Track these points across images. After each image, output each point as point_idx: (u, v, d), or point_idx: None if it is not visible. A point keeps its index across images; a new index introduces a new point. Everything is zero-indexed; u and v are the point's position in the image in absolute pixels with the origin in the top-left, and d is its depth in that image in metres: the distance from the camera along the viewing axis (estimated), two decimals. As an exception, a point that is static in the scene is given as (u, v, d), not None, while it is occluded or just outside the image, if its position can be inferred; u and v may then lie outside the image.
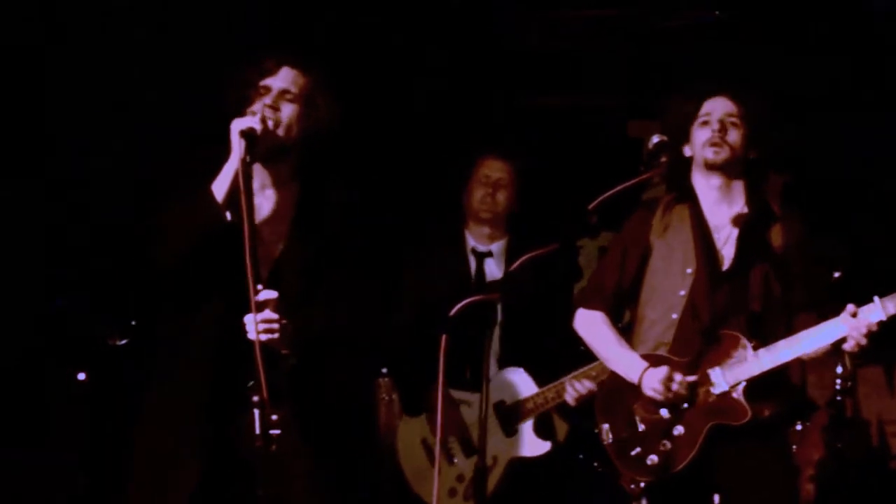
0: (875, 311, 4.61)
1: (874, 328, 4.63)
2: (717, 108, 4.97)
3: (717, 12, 7.02)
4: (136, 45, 6.55)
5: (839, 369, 6.22)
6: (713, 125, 4.93)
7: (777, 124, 5.06)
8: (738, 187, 5.01)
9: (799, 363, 4.95)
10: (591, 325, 5.16)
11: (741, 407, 4.77)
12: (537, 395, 6.07)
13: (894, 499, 6.33)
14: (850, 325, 4.65)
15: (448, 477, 6.05)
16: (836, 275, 5.72)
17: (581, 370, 5.89)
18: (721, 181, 4.98)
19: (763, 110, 4.98)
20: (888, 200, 7.05)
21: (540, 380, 6.07)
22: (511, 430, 6.06)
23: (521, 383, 6.10)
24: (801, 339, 4.72)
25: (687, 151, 5.04)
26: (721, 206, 5.00)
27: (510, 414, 6.08)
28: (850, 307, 4.63)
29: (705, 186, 4.99)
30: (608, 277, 5.19)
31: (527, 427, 6.07)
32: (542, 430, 6.11)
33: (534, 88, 7.56)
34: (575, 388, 5.89)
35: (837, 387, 6.23)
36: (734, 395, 4.80)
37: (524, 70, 7.41)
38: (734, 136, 4.93)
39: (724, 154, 4.92)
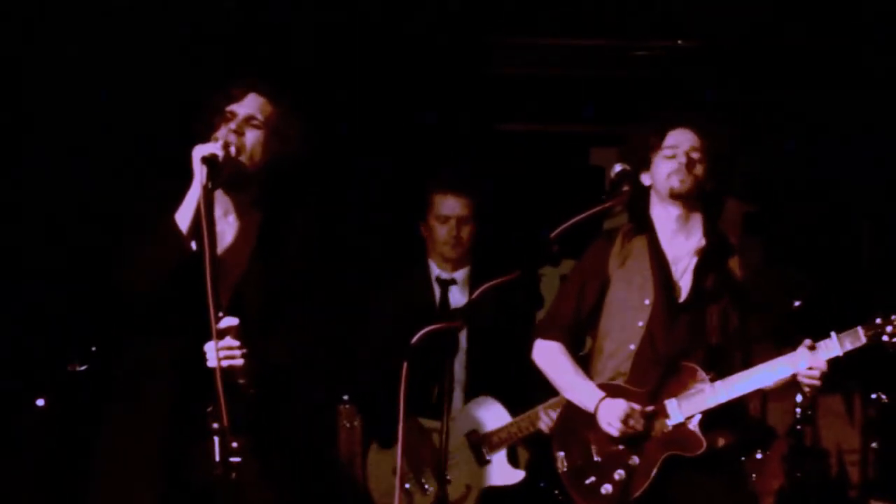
0: (832, 348, 4.67)
1: (824, 368, 4.71)
2: (683, 141, 4.98)
3: (679, 41, 7.07)
4: (103, 71, 6.56)
5: (799, 398, 6.26)
6: (679, 158, 4.95)
7: (737, 156, 5.08)
8: (696, 219, 5.06)
9: (758, 393, 4.98)
10: (549, 356, 5.20)
11: (696, 438, 4.81)
12: (511, 424, 6.08)
13: None
14: (806, 361, 4.70)
15: None
16: (797, 304, 5.75)
17: (555, 399, 5.83)
18: (680, 211, 5.02)
19: (724, 143, 5.03)
20: (850, 231, 7.10)
21: (509, 409, 6.07)
22: (484, 460, 6.07)
23: (494, 413, 6.11)
24: (757, 372, 4.77)
25: (645, 180, 5.06)
26: (679, 237, 5.05)
27: (483, 443, 6.08)
28: (808, 341, 4.69)
29: (664, 217, 5.04)
30: (566, 308, 5.23)
31: (500, 457, 6.08)
32: (516, 460, 6.12)
33: (496, 115, 7.57)
34: (550, 416, 5.87)
35: (797, 416, 6.27)
36: (690, 426, 4.85)
37: (486, 97, 7.42)
38: (699, 169, 4.97)
39: (688, 183, 4.95)
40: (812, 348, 4.68)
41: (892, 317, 4.65)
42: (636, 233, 5.14)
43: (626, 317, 5.04)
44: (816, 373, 4.68)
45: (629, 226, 5.18)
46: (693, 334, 4.93)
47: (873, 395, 6.47)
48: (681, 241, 5.05)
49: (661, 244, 5.07)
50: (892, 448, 6.55)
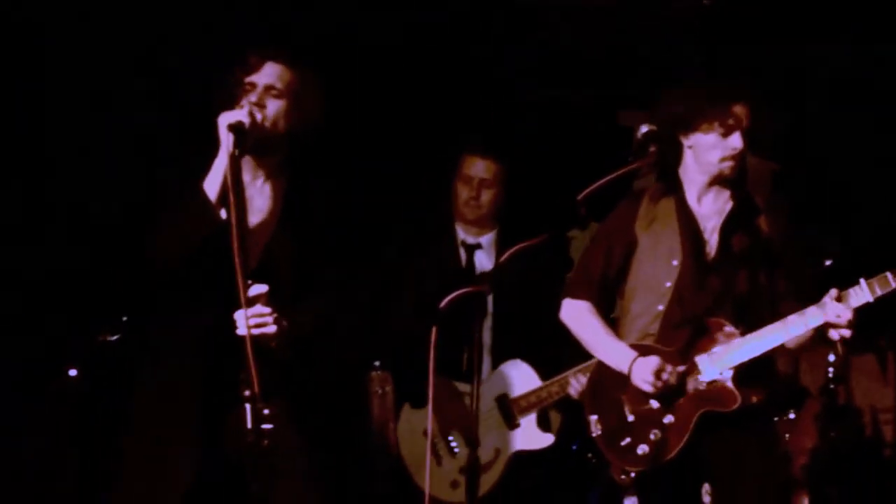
0: (862, 294, 4.68)
1: (850, 317, 4.70)
2: (741, 120, 4.92)
3: (705, 1, 7.02)
4: (128, 41, 6.59)
5: (831, 357, 6.24)
6: (735, 143, 4.90)
7: (772, 122, 5.04)
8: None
9: (789, 352, 4.98)
10: (578, 315, 5.19)
11: (730, 393, 4.83)
12: (541, 388, 6.12)
13: (888, 487, 6.35)
14: (833, 310, 4.70)
15: (452, 469, 6.12)
16: (827, 263, 5.74)
17: (585, 364, 5.89)
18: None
19: (766, 116, 4.97)
20: (881, 189, 7.06)
21: (537, 372, 6.09)
22: (514, 424, 6.10)
23: (525, 377, 6.16)
24: (787, 323, 4.77)
25: (685, 141, 5.00)
26: (707, 197, 5.03)
27: (513, 407, 6.11)
28: (833, 292, 4.70)
29: (694, 178, 4.99)
30: (593, 268, 5.22)
31: (529, 420, 6.12)
32: (545, 424, 6.15)
33: (526, 80, 7.56)
34: (580, 381, 5.91)
35: (830, 375, 6.26)
36: (723, 381, 4.86)
37: (515, 63, 7.41)
38: (744, 147, 4.93)
39: (737, 169, 4.97)
40: (838, 298, 4.68)
41: None
42: (664, 194, 5.11)
43: (654, 278, 5.05)
44: (843, 321, 4.68)
45: (656, 186, 5.17)
46: (721, 292, 4.94)
47: None
48: (709, 200, 5.04)
49: (690, 204, 5.05)
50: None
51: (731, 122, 4.89)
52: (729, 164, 4.91)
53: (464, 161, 6.34)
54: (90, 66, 6.50)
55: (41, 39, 6.57)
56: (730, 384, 4.84)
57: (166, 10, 6.57)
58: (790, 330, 4.77)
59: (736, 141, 4.89)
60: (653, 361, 4.88)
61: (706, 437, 4.86)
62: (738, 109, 4.90)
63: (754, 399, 4.86)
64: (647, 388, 4.87)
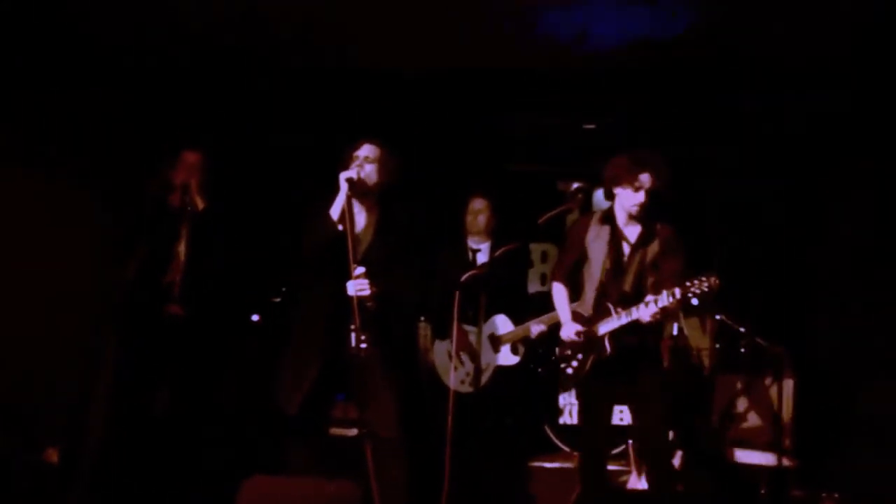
0: (663, 300, 4.53)
1: (657, 311, 4.55)
2: (646, 182, 4.70)
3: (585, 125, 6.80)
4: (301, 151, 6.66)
5: (674, 326, 5.90)
6: (640, 196, 4.73)
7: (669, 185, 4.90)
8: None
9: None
10: (555, 292, 5.11)
11: (605, 346, 4.79)
12: (513, 331, 6.05)
13: (704, 395, 5.95)
14: (653, 307, 4.59)
15: (462, 373, 5.94)
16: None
17: (538, 318, 5.88)
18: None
19: (667, 181, 4.73)
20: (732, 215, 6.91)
21: (512, 321, 6.07)
22: (497, 350, 6.02)
23: (505, 324, 6.08)
24: (634, 310, 4.67)
25: (615, 190, 4.83)
26: (629, 226, 4.91)
27: (497, 341, 6.08)
28: (650, 297, 4.61)
29: (620, 214, 4.92)
30: (565, 263, 5.09)
31: (506, 348, 6.03)
32: (515, 351, 6.13)
33: (509, 159, 7.40)
34: (534, 329, 5.89)
35: (675, 332, 5.93)
36: (604, 339, 4.79)
37: (499, 147, 7.17)
38: (646, 200, 4.73)
39: (642, 213, 4.77)
40: (653, 302, 4.57)
41: (695, 280, 4.44)
42: (604, 221, 4.91)
43: (594, 273, 4.89)
44: (655, 312, 4.53)
45: (600, 215, 4.95)
46: (627, 284, 4.79)
47: (718, 317, 5.92)
48: (629, 228, 4.88)
49: (620, 228, 4.87)
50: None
51: (639, 184, 4.72)
52: (636, 209, 4.78)
53: (470, 200, 6.21)
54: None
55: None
56: (606, 341, 4.76)
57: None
58: (636, 314, 4.65)
59: (641, 196, 4.75)
60: (572, 326, 4.92)
61: (605, 366, 4.82)
62: (645, 177, 4.71)
63: (621, 346, 4.75)
64: (568, 340, 4.96)
